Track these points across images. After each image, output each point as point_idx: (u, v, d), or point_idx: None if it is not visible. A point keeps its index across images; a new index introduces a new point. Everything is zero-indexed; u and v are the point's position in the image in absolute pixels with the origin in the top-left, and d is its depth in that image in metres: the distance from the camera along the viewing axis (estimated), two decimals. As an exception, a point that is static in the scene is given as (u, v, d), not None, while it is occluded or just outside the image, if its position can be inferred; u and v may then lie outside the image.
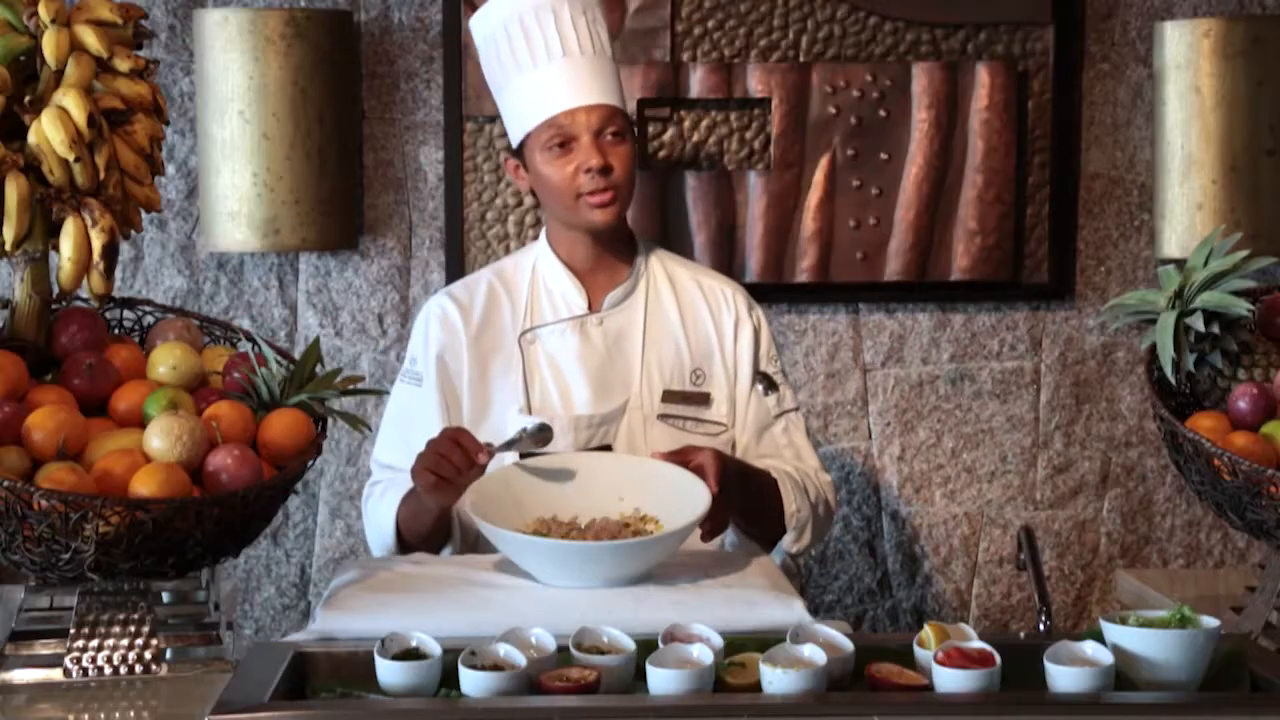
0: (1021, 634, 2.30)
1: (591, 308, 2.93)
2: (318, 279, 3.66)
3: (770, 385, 2.92)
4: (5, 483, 2.22)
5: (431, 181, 3.66)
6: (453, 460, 2.60)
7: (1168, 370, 2.61)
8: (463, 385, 2.90)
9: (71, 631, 2.35)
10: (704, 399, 2.90)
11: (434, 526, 2.78)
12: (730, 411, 2.92)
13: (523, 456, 2.77)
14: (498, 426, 2.82)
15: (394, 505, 2.81)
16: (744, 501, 2.78)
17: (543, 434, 2.72)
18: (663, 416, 2.88)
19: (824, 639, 2.12)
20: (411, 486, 2.76)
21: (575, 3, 2.87)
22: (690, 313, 2.95)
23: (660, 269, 2.98)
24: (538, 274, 2.96)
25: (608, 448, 2.85)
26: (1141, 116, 3.70)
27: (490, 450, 2.62)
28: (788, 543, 2.85)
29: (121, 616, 2.37)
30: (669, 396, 2.89)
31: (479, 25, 2.92)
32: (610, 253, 2.93)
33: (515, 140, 2.91)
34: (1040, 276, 3.70)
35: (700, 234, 3.62)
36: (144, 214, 2.55)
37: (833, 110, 3.61)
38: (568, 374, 2.88)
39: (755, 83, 3.60)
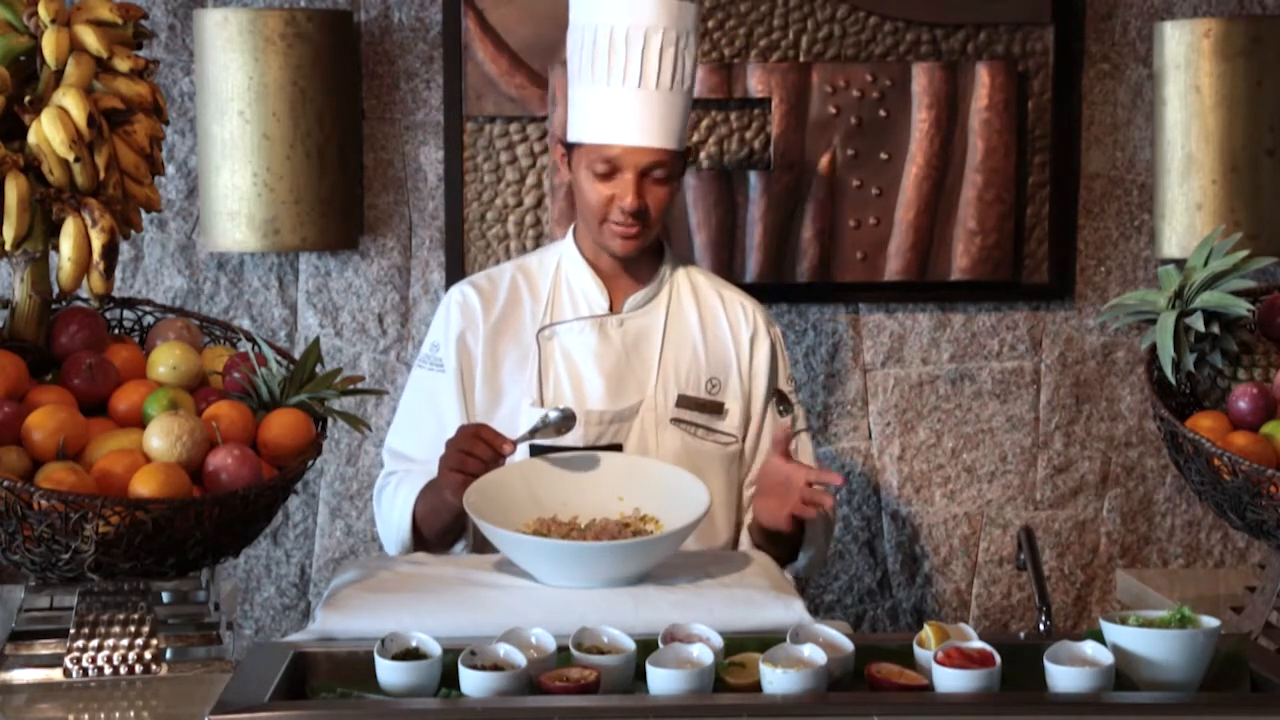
0: (1021, 634, 2.30)
1: (613, 309, 2.93)
2: (318, 279, 3.66)
3: (784, 404, 2.93)
4: (5, 483, 2.22)
5: (431, 181, 3.66)
6: (477, 454, 2.61)
7: (1168, 370, 2.61)
8: (477, 373, 2.91)
9: (71, 631, 2.35)
10: (718, 408, 2.91)
11: (452, 522, 2.78)
12: (743, 424, 2.93)
13: (533, 451, 2.78)
14: (509, 420, 2.83)
15: (410, 499, 2.82)
16: (789, 533, 2.79)
17: (565, 423, 2.72)
18: (675, 421, 2.89)
19: (824, 639, 2.12)
20: (429, 480, 2.77)
21: (670, 30, 2.83)
22: (710, 322, 2.96)
23: (684, 277, 2.99)
24: (561, 271, 2.96)
25: (618, 447, 2.86)
26: (1141, 116, 3.70)
27: (514, 442, 2.63)
28: (800, 564, 2.85)
29: (121, 616, 2.37)
30: (683, 402, 2.90)
31: (577, 11, 2.89)
32: (637, 256, 2.93)
33: (569, 136, 2.91)
34: (1040, 276, 3.70)
35: (700, 234, 3.62)
36: (144, 214, 2.55)
37: (833, 110, 3.61)
38: (583, 370, 2.89)
39: (755, 83, 3.60)
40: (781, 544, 2.82)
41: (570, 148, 2.90)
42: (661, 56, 2.82)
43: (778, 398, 2.93)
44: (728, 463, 2.90)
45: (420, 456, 2.87)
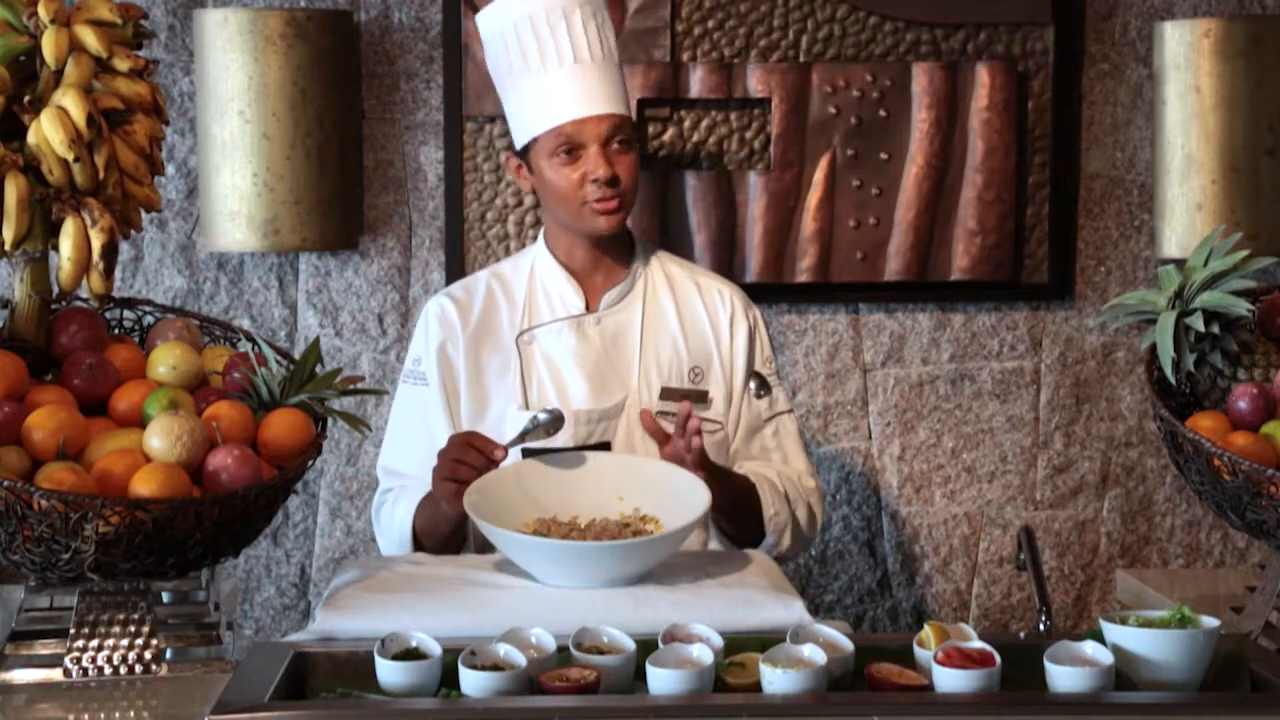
0: (1021, 634, 2.30)
1: (589, 308, 2.94)
2: (318, 279, 3.66)
3: (763, 386, 2.92)
4: (5, 483, 2.22)
5: (431, 181, 3.66)
6: (469, 462, 2.61)
7: (1168, 370, 2.61)
8: (460, 382, 2.91)
9: (71, 631, 2.35)
10: (702, 397, 2.91)
11: (451, 533, 2.78)
12: (727, 410, 2.92)
13: (525, 454, 2.78)
14: (496, 426, 2.83)
15: (409, 514, 2.82)
16: (721, 503, 2.78)
17: (554, 424, 2.72)
18: (660, 414, 2.89)
19: (824, 639, 2.12)
20: (425, 492, 2.77)
21: (586, 6, 2.86)
22: (688, 312, 2.96)
23: (658, 269, 2.99)
24: (535, 275, 2.97)
25: (607, 444, 2.86)
26: (1141, 116, 3.70)
27: (505, 447, 2.63)
28: (767, 546, 2.85)
29: (121, 616, 2.37)
30: (667, 394, 2.90)
31: (487, 22, 2.91)
32: (608, 254, 2.94)
33: (519, 142, 2.92)
34: (1040, 276, 3.70)
35: (700, 234, 3.62)
36: (144, 214, 2.55)
37: (833, 110, 3.61)
38: (565, 371, 2.89)
39: (755, 83, 3.60)
40: (733, 518, 2.82)
41: (526, 151, 2.90)
42: (586, 30, 2.85)
43: (756, 381, 2.93)
44: (716, 450, 2.90)
45: (414, 471, 2.87)
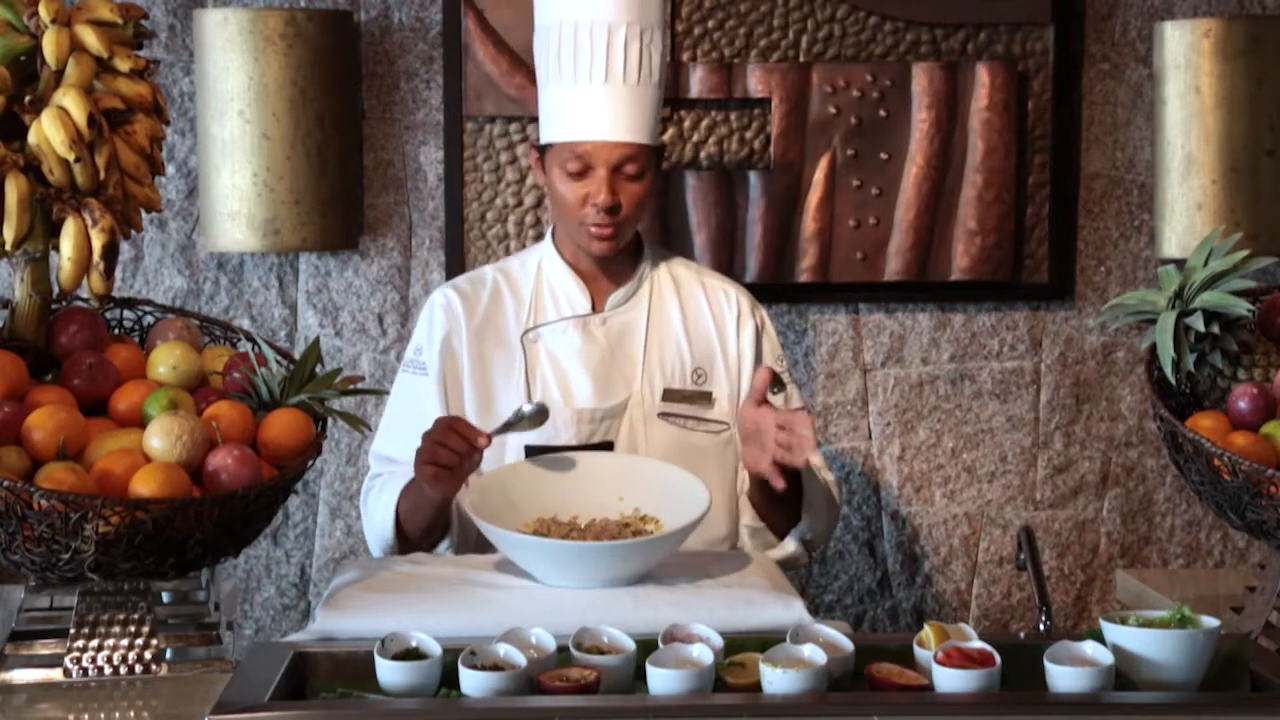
0: (1021, 634, 2.30)
1: (595, 308, 2.94)
2: (318, 279, 3.66)
3: (777, 382, 2.92)
4: (5, 483, 2.22)
5: (431, 181, 3.66)
6: (451, 446, 2.60)
7: (1168, 370, 2.61)
8: (464, 375, 2.91)
9: (71, 631, 2.35)
10: (705, 398, 2.92)
11: (434, 518, 2.78)
12: (732, 410, 2.93)
13: (527, 453, 2.78)
14: (499, 424, 2.82)
15: (393, 499, 2.81)
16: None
17: (540, 416, 2.71)
18: (664, 415, 2.89)
19: (824, 639, 2.12)
20: (411, 478, 2.76)
21: (634, 24, 2.84)
22: (693, 313, 2.97)
23: (665, 271, 2.99)
24: (542, 274, 2.97)
25: (609, 444, 2.86)
26: (1141, 116, 3.70)
27: (488, 435, 2.62)
28: (803, 528, 2.85)
29: (121, 616, 2.37)
30: (670, 395, 2.90)
31: (540, 13, 2.92)
32: (615, 257, 2.94)
33: (541, 139, 2.92)
34: (1040, 276, 3.70)
35: (700, 234, 3.62)
36: (144, 214, 2.55)
37: (833, 110, 3.61)
38: (569, 370, 2.89)
39: (755, 83, 3.60)
40: (779, 502, 2.81)
41: (543, 151, 2.91)
42: (627, 51, 2.83)
43: (771, 376, 2.93)
44: (721, 451, 2.90)
45: (405, 458, 2.86)
